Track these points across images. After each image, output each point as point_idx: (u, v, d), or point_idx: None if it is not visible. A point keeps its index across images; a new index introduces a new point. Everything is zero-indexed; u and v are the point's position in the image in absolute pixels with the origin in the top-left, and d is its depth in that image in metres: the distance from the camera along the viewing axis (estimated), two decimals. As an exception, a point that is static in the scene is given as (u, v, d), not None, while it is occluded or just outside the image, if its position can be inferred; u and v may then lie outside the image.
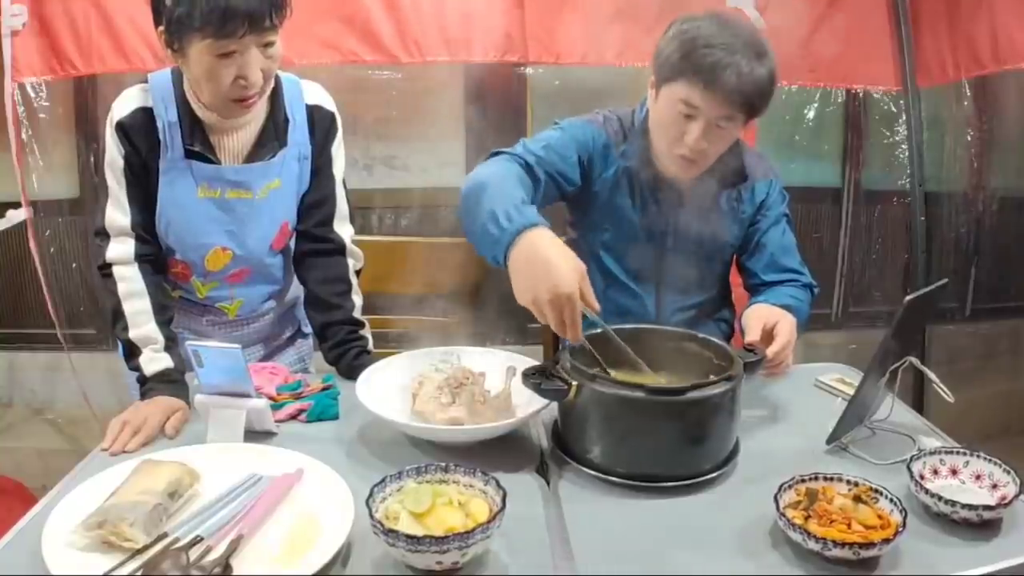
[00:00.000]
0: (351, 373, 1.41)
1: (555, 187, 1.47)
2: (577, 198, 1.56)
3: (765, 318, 1.35)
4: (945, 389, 1.21)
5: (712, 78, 1.32)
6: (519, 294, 1.09)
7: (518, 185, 1.28)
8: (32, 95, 2.41)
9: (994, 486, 1.07)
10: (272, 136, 1.43)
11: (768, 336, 1.34)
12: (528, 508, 1.04)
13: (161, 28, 1.27)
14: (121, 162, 1.37)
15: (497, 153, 1.44)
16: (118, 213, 1.39)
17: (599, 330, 1.22)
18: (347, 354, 1.50)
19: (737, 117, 1.38)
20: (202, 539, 0.92)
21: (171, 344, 1.38)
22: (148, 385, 1.34)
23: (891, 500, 0.98)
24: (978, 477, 1.09)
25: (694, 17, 1.39)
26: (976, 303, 3.23)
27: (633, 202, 1.55)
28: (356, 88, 2.72)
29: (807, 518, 0.97)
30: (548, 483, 1.14)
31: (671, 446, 1.10)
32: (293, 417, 1.31)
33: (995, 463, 1.09)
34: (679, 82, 1.37)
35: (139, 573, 0.87)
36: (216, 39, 1.22)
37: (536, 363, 1.21)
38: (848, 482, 1.02)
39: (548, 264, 1.05)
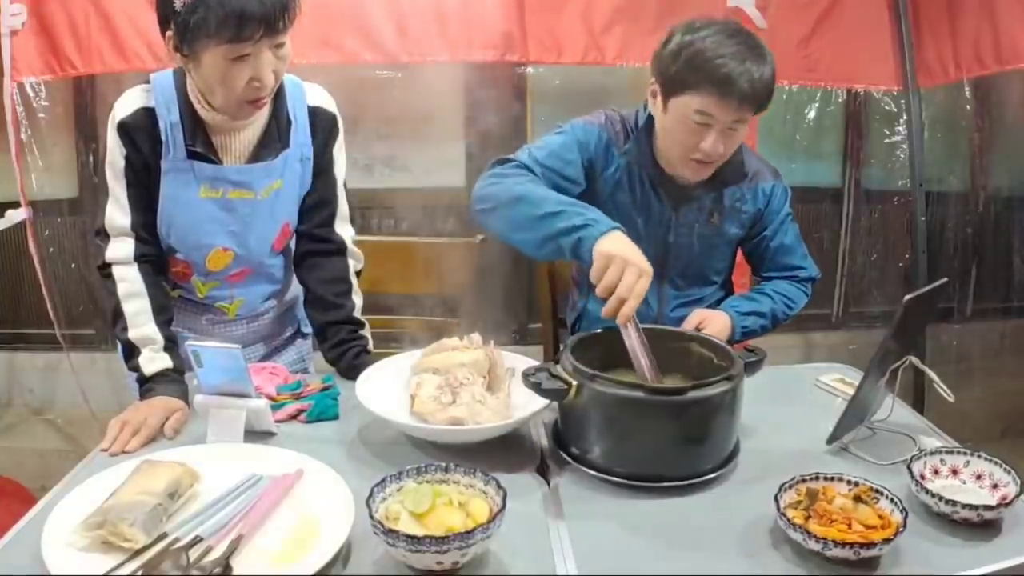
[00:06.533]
0: (351, 373, 1.41)
1: (557, 190, 1.52)
2: (581, 196, 1.59)
3: (701, 316, 1.52)
4: (945, 389, 1.21)
5: (727, 88, 1.38)
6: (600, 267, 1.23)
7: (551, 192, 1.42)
8: (32, 95, 2.41)
9: (995, 486, 1.07)
10: (274, 137, 1.43)
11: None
12: (528, 508, 1.05)
13: (170, 33, 1.26)
14: (122, 162, 1.37)
15: (503, 160, 1.51)
16: (118, 213, 1.39)
17: (599, 330, 1.29)
18: (347, 354, 1.50)
19: (748, 119, 1.46)
20: (202, 539, 0.92)
21: (171, 344, 1.38)
22: (148, 385, 1.34)
23: (891, 500, 0.98)
24: (979, 477, 1.09)
25: (692, 27, 1.43)
26: (976, 303, 3.23)
27: (634, 199, 1.60)
28: (356, 88, 2.71)
29: (807, 518, 0.97)
30: (548, 483, 1.14)
31: (671, 446, 1.10)
32: (293, 417, 1.31)
33: (995, 463, 1.09)
34: (691, 94, 1.41)
35: (139, 573, 0.87)
36: (232, 44, 1.22)
37: (536, 363, 1.22)
38: (848, 482, 1.02)
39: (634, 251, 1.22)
